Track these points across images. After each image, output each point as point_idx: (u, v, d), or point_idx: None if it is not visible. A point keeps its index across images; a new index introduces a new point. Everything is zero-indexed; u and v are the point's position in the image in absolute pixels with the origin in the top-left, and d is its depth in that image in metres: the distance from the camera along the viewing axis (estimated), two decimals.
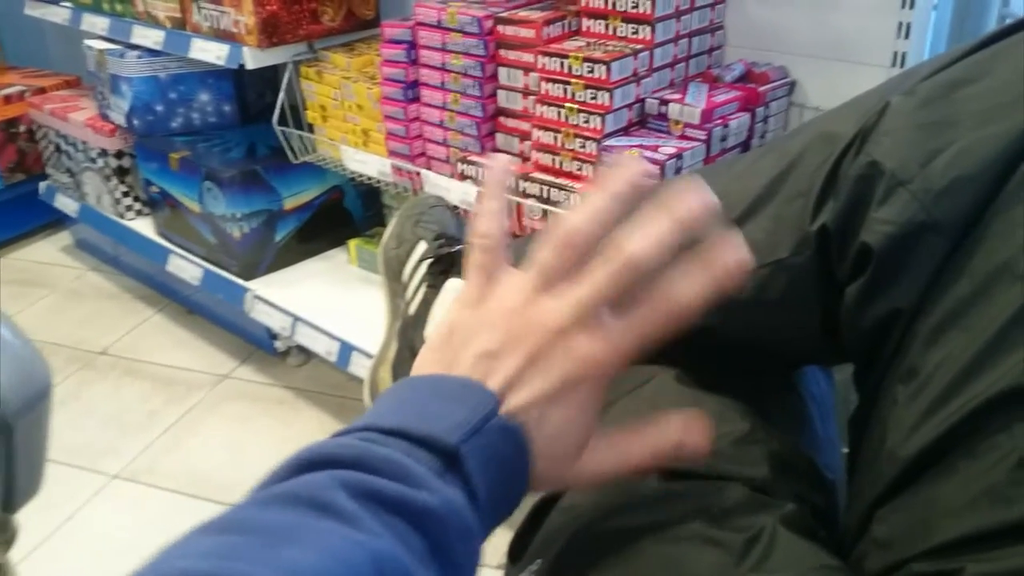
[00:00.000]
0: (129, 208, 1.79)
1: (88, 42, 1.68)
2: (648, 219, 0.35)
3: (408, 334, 0.74)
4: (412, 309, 0.74)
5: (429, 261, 0.74)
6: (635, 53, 0.99)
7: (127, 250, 1.85)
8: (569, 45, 1.02)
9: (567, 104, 1.00)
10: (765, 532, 0.38)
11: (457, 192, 1.14)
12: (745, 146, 1.04)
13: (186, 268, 1.63)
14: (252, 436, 1.43)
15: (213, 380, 1.58)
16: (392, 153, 1.25)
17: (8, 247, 2.11)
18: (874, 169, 0.39)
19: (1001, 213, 0.36)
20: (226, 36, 1.37)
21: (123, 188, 1.77)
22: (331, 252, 1.62)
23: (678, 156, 0.96)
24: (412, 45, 1.16)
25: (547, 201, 1.03)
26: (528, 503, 0.42)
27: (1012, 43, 0.40)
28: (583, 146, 1.00)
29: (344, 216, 1.64)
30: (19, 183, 2.05)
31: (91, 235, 2.00)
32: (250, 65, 1.32)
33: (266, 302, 1.48)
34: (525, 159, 1.11)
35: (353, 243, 1.57)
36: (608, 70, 0.97)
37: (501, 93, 1.11)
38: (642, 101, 1.03)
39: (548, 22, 1.05)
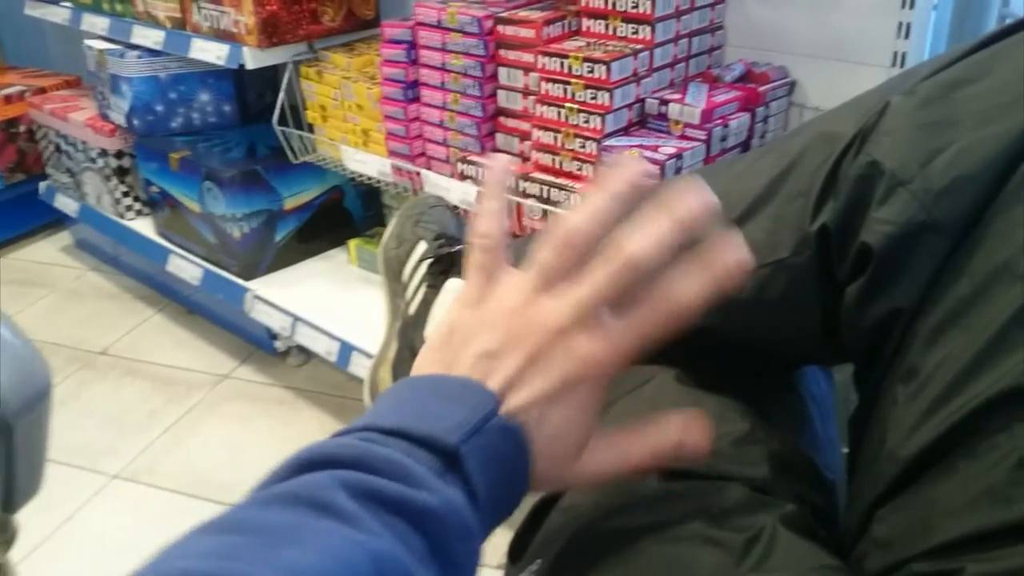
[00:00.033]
0: (129, 208, 1.79)
1: (88, 42, 1.68)
2: (648, 219, 0.35)
3: (408, 334, 0.74)
4: (412, 309, 0.74)
5: (429, 261, 0.74)
6: (635, 53, 0.99)
7: (127, 250, 1.85)
8: (569, 45, 1.02)
9: (567, 104, 1.01)
10: (765, 532, 0.38)
11: (457, 192, 1.14)
12: (745, 146, 1.04)
13: (186, 268, 1.63)
14: (252, 436, 1.43)
15: (213, 380, 1.58)
16: (392, 153, 1.25)
17: (8, 247, 2.11)
18: (874, 169, 0.39)
19: (1001, 213, 0.36)
20: (226, 36, 1.37)
21: (123, 188, 1.77)
22: (331, 252, 1.62)
23: (678, 156, 0.96)
24: (412, 45, 1.16)
25: (547, 201, 1.03)
26: (528, 503, 0.42)
27: (1012, 43, 0.40)
28: (583, 146, 1.00)
29: (344, 216, 1.64)
30: (19, 183, 2.05)
31: (91, 235, 2.00)
32: (250, 65, 1.32)
33: (266, 302, 1.48)
34: (525, 159, 1.11)
35: (353, 243, 1.57)
36: (608, 70, 0.97)
37: (501, 93, 1.11)
38: (642, 101, 1.03)
39: (548, 22, 1.05)
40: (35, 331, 1.71)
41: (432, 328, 0.71)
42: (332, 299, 1.47)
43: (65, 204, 1.94)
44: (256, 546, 0.27)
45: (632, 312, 0.36)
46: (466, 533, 0.31)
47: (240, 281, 1.53)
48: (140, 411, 1.51)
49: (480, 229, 0.39)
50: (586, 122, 0.99)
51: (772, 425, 0.46)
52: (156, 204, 1.70)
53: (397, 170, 1.25)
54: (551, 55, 1.01)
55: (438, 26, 1.12)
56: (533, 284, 0.37)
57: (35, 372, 0.53)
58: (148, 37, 1.52)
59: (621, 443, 0.39)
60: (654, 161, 0.95)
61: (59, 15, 1.76)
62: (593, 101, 0.99)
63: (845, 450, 0.45)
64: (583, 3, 1.05)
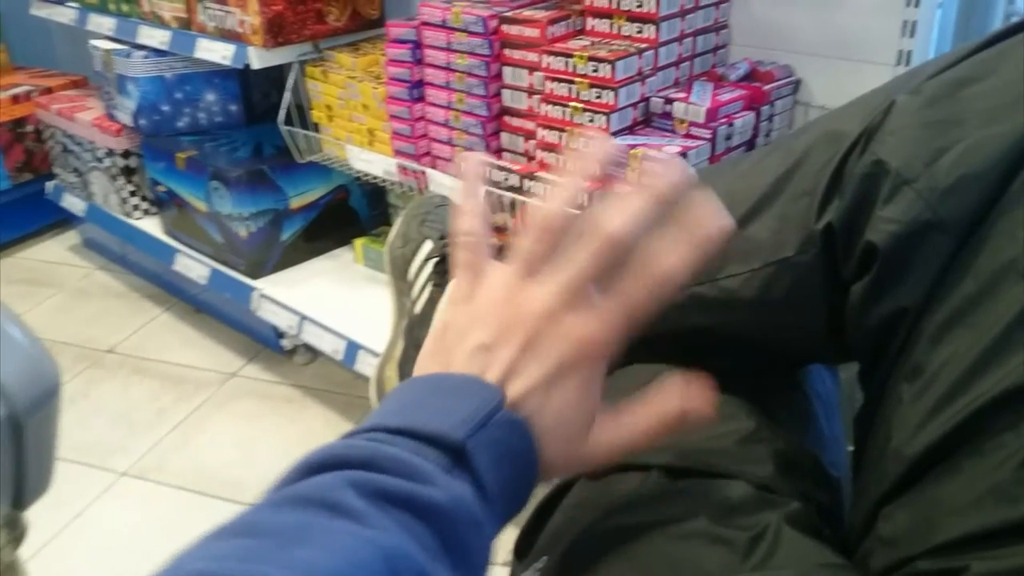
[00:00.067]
0: (136, 207, 1.80)
1: (94, 42, 1.68)
2: (624, 195, 0.36)
3: (414, 332, 0.75)
4: (418, 308, 0.75)
5: (435, 260, 0.75)
6: (640, 52, 0.99)
7: (134, 249, 1.85)
8: (574, 44, 1.02)
9: (572, 103, 1.01)
10: (769, 530, 0.38)
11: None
12: (750, 145, 1.04)
13: (193, 267, 1.63)
14: (260, 434, 1.44)
15: (221, 378, 1.59)
16: (397, 152, 1.25)
17: (16, 246, 2.12)
18: (879, 168, 0.39)
19: (1007, 212, 0.36)
20: (232, 36, 1.37)
21: (130, 188, 1.78)
22: (337, 251, 1.63)
23: (683, 155, 0.96)
24: (417, 45, 1.17)
25: None
26: (535, 501, 0.42)
27: (1018, 41, 0.40)
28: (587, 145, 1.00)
29: (350, 215, 1.64)
30: (26, 183, 2.06)
31: (98, 234, 2.01)
32: (256, 65, 1.32)
33: (273, 301, 1.48)
34: (530, 158, 1.11)
35: (359, 242, 1.58)
36: (613, 69, 0.97)
37: (506, 92, 1.11)
38: (647, 100, 1.03)
39: (552, 21, 1.05)
40: (43, 330, 1.72)
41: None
42: (338, 298, 1.47)
43: (72, 204, 1.95)
44: (270, 548, 0.27)
45: (619, 287, 0.36)
46: (477, 527, 0.32)
47: (247, 280, 1.54)
48: (148, 409, 1.52)
49: (462, 227, 0.40)
50: (591, 121, 0.99)
51: (777, 423, 0.46)
52: (163, 203, 1.70)
53: (402, 169, 1.26)
54: (556, 54, 1.01)
55: (443, 26, 1.12)
56: (518, 273, 0.37)
57: (44, 371, 0.54)
58: (154, 37, 1.52)
59: (627, 417, 0.39)
60: None
61: (65, 15, 1.76)
62: (598, 100, 0.99)
63: (850, 448, 0.45)
64: (587, 2, 1.05)
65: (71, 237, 2.15)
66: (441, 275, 0.74)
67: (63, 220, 2.13)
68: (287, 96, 1.38)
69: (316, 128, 1.40)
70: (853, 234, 0.40)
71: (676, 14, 1.02)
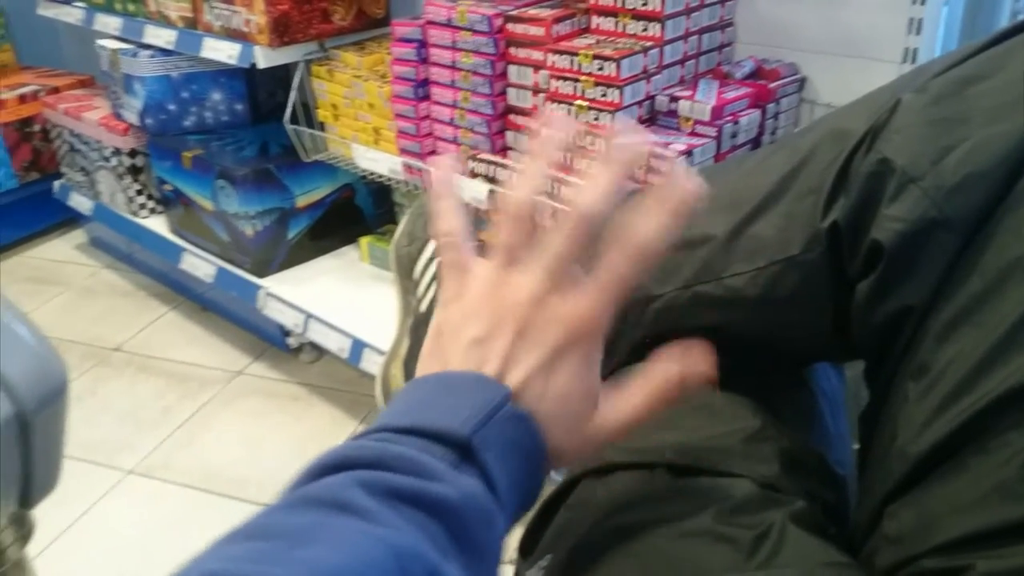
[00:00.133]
0: (143, 206, 1.80)
1: (101, 42, 1.69)
2: (592, 170, 0.36)
3: (420, 331, 0.75)
4: (423, 306, 0.75)
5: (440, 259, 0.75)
6: (645, 50, 0.99)
7: (141, 248, 1.86)
8: (579, 43, 1.02)
9: (577, 101, 1.01)
10: (774, 529, 0.38)
11: (468, 190, 1.15)
12: (755, 143, 1.04)
13: (199, 266, 1.64)
14: (266, 432, 1.44)
15: (227, 376, 1.60)
16: (403, 151, 1.25)
17: (23, 245, 2.13)
18: (885, 166, 0.39)
19: (1013, 209, 0.36)
20: (238, 35, 1.38)
21: (137, 186, 1.78)
22: (343, 249, 1.63)
23: (688, 153, 0.96)
24: (422, 43, 1.17)
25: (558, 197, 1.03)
26: (540, 499, 0.42)
27: None
28: (593, 144, 1.00)
29: (356, 214, 1.64)
30: (34, 182, 2.07)
31: (105, 233, 2.02)
32: (262, 64, 1.33)
33: (279, 299, 1.48)
34: None
35: (365, 240, 1.58)
36: (618, 67, 0.97)
37: (511, 91, 1.11)
38: (652, 98, 1.02)
39: (558, 20, 1.05)
40: (50, 328, 1.73)
41: None
42: (344, 296, 1.47)
43: (79, 202, 1.96)
44: (282, 549, 0.27)
45: (601, 262, 0.36)
46: (488, 522, 0.32)
47: (253, 278, 1.54)
48: (155, 407, 1.52)
49: (442, 229, 0.40)
50: (596, 119, 0.99)
51: (782, 422, 0.46)
52: (169, 202, 1.71)
53: (408, 168, 1.26)
54: (561, 53, 1.01)
55: (448, 24, 1.12)
56: (500, 265, 0.38)
57: (51, 369, 0.54)
58: (160, 37, 1.53)
59: (630, 391, 0.39)
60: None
61: (72, 15, 1.77)
62: (603, 98, 0.99)
63: (856, 446, 0.45)
64: (592, 0, 1.05)
65: (78, 236, 2.16)
66: None
67: (70, 219, 2.14)
68: (293, 95, 1.39)
69: (322, 127, 1.41)
70: (859, 232, 0.40)
71: (681, 12, 1.01)
